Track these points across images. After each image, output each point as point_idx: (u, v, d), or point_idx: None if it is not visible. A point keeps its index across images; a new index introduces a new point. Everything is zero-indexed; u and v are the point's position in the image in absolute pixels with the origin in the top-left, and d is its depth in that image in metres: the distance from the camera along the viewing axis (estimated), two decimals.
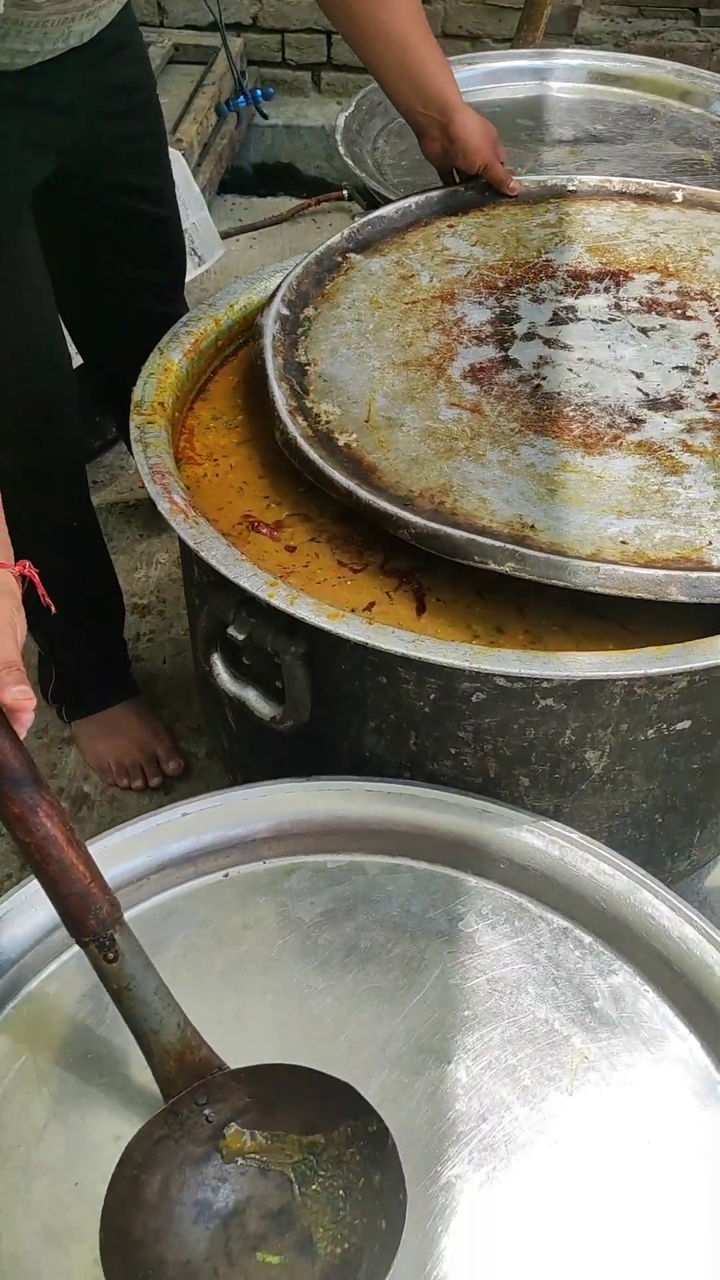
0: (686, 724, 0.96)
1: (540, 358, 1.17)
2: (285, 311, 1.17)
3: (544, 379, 1.14)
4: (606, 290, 1.27)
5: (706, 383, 1.14)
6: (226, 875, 0.98)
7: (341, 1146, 0.78)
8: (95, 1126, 0.81)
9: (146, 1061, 0.80)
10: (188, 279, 1.71)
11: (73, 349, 1.79)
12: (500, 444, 1.06)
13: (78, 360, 1.79)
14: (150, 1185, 0.76)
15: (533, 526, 0.97)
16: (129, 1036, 0.80)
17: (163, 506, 1.00)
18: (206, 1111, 0.79)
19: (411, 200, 1.37)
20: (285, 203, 3.36)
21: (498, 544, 0.92)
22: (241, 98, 1.44)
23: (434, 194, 1.40)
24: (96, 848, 0.91)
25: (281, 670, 0.96)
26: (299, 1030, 0.86)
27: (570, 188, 1.44)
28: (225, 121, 3.28)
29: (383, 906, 0.95)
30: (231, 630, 0.98)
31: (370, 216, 1.35)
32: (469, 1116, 0.81)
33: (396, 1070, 0.84)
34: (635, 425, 1.09)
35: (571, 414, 1.10)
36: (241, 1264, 0.74)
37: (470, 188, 1.42)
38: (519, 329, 1.21)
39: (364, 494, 0.98)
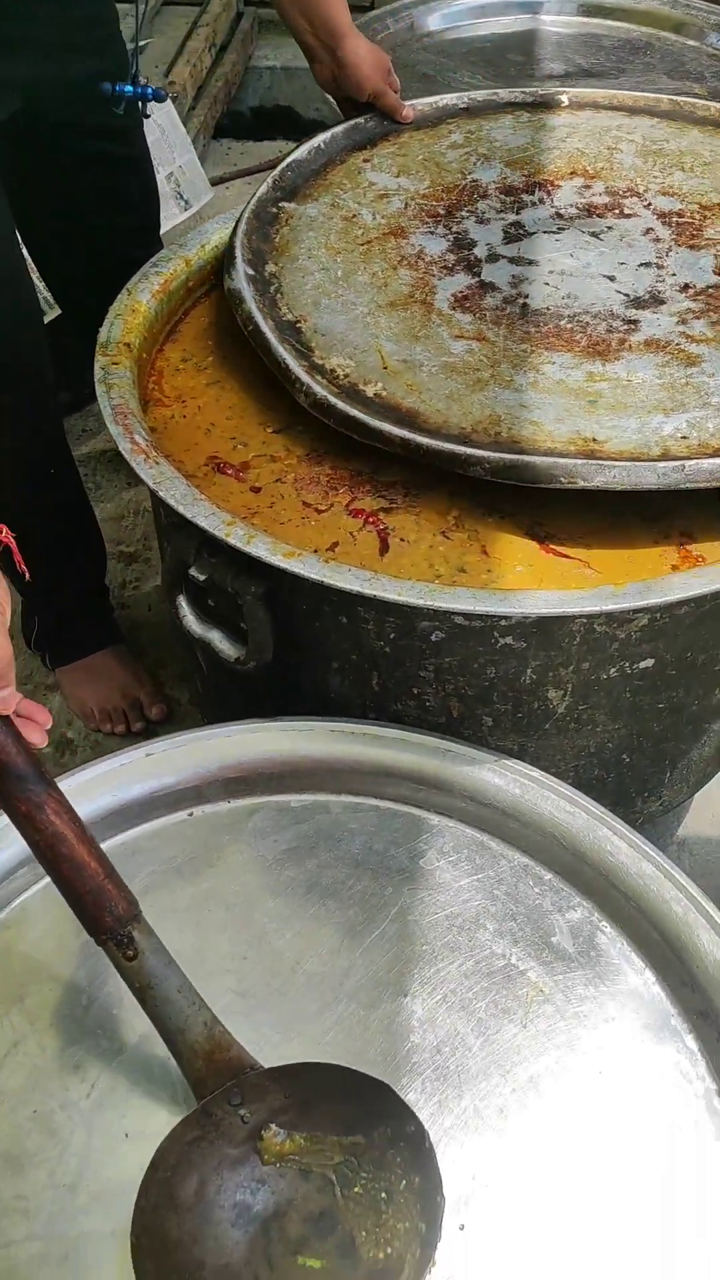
0: (650, 663, 0.96)
1: (514, 277, 1.18)
2: (250, 271, 1.15)
3: (527, 297, 1.16)
4: (541, 202, 1.29)
5: (674, 274, 1.18)
6: (191, 815, 0.98)
7: (383, 1148, 0.76)
8: (56, 1056, 0.83)
9: (175, 1061, 0.78)
10: (174, 224, 1.69)
11: (54, 297, 1.78)
12: (522, 367, 1.07)
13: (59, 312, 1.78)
14: (185, 1187, 0.74)
15: (595, 439, 0.99)
16: (95, 969, 0.81)
17: (123, 447, 0.99)
18: (242, 1112, 0.77)
19: (319, 140, 1.36)
20: (284, 147, 3.30)
21: (576, 462, 0.95)
22: (130, 86, 1.40)
23: (338, 130, 1.38)
24: (61, 786, 0.91)
25: (242, 611, 0.96)
26: (258, 965, 0.87)
27: (462, 105, 1.45)
28: (221, 63, 3.22)
29: (345, 844, 0.95)
30: (193, 571, 0.98)
31: (286, 162, 1.33)
32: (423, 1048, 0.82)
33: (353, 1004, 0.85)
34: (633, 326, 1.12)
35: (569, 326, 1.12)
36: (282, 1268, 0.72)
37: (370, 119, 1.41)
38: (479, 252, 1.22)
39: (423, 440, 0.98)
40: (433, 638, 0.92)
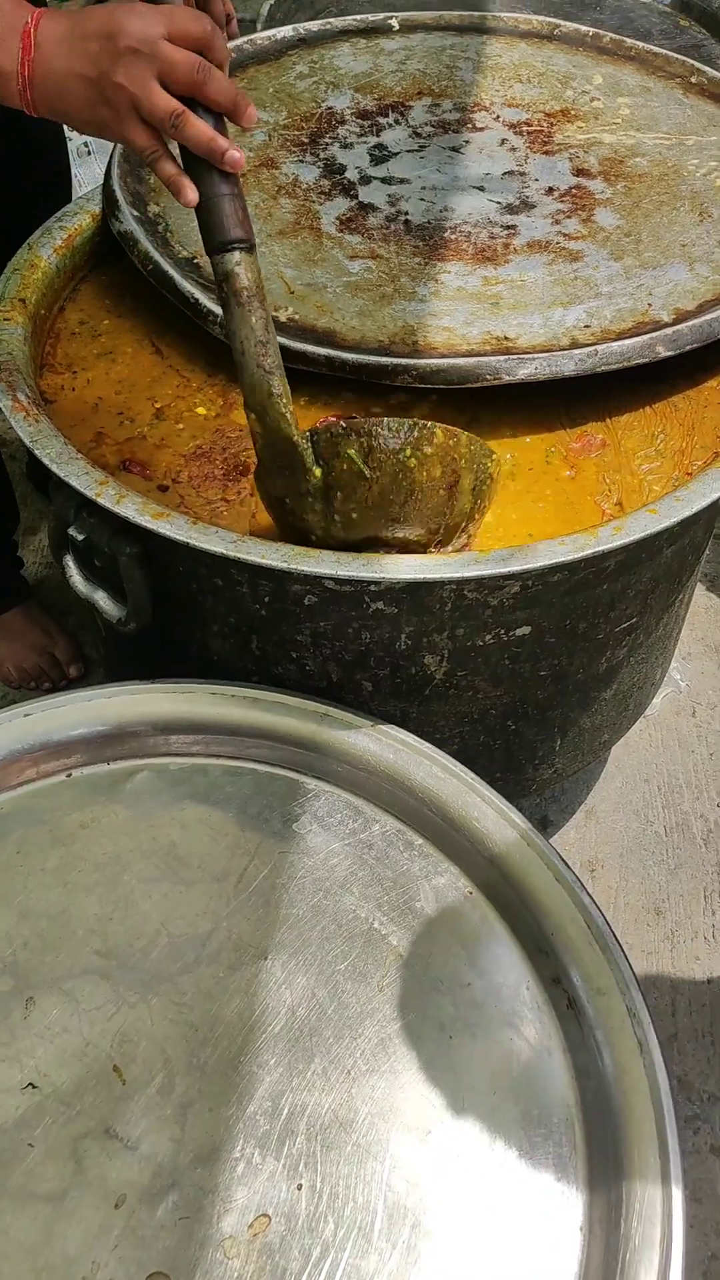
0: (526, 630, 0.95)
1: (390, 196, 1.22)
2: (136, 213, 1.14)
3: (408, 214, 1.20)
4: (397, 123, 1.33)
5: (537, 179, 1.25)
6: (69, 775, 0.98)
7: None
8: None
9: None
10: (82, 169, 1.66)
11: None
12: (420, 279, 1.11)
13: None
14: None
15: (506, 337, 1.04)
16: None
17: (4, 403, 0.98)
18: None
19: None
20: None
21: (499, 359, 1.00)
22: None
23: None
24: None
25: (120, 571, 0.95)
26: (122, 926, 0.87)
27: (299, 36, 1.47)
28: None
29: (221, 808, 0.95)
30: (72, 531, 0.97)
31: None
32: (278, 1010, 0.83)
33: (214, 965, 0.85)
34: (513, 231, 1.17)
35: (454, 237, 1.16)
36: None
37: None
38: (351, 175, 1.25)
39: (348, 355, 1.02)
40: (306, 602, 0.91)
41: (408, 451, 0.85)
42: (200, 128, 0.79)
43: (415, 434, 0.85)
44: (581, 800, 1.48)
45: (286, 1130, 0.76)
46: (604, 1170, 0.75)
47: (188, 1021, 0.82)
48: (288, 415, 0.86)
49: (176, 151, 0.83)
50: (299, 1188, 0.74)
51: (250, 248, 0.84)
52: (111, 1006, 0.83)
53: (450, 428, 0.87)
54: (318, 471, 0.86)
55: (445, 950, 0.86)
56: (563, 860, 0.88)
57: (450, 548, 0.92)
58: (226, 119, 0.82)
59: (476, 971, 0.85)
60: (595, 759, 1.28)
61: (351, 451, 0.84)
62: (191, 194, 0.81)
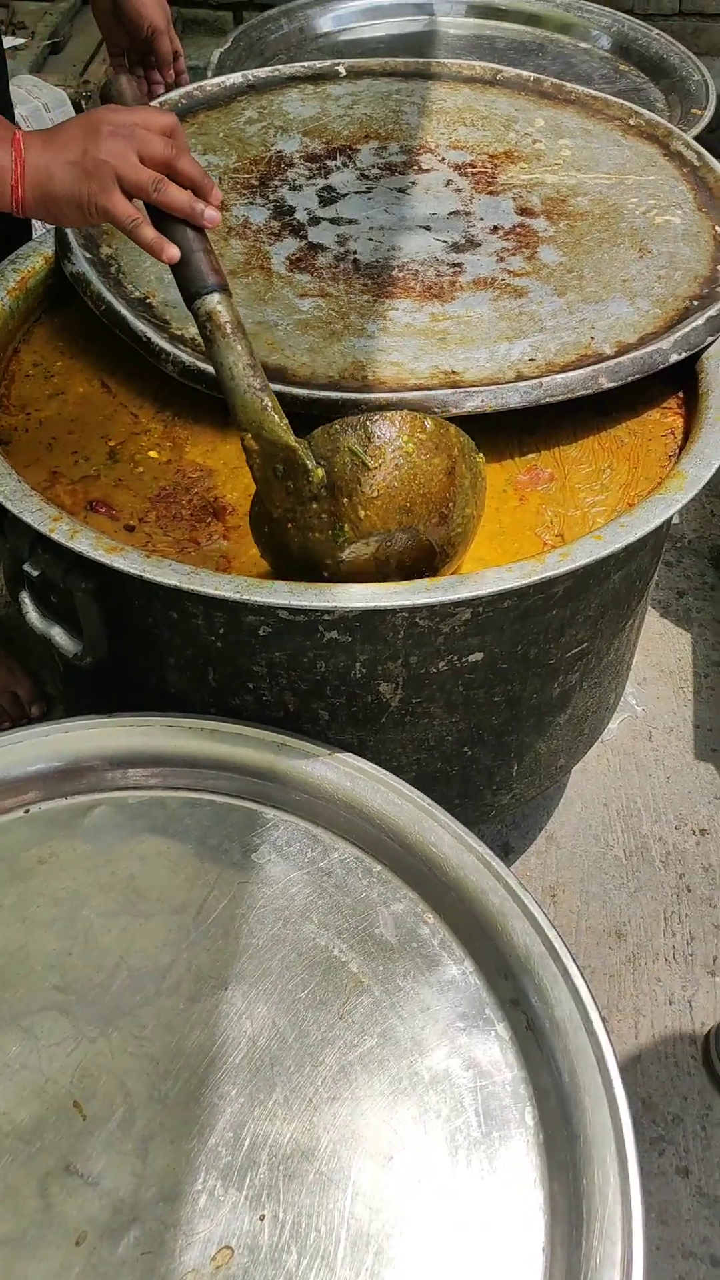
0: (479, 656, 0.97)
1: (338, 236, 1.25)
2: (88, 255, 1.16)
3: (356, 253, 1.22)
4: (345, 165, 1.37)
5: (481, 218, 1.28)
6: (27, 811, 0.98)
7: None
8: None
9: None
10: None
11: None
12: (369, 316, 1.14)
13: None
14: None
15: (454, 371, 1.06)
16: None
17: None
18: None
19: None
20: None
21: (446, 393, 1.03)
22: None
23: None
24: None
25: (75, 606, 0.96)
26: (81, 961, 0.87)
27: (248, 83, 1.51)
28: None
29: (180, 840, 0.96)
30: (28, 567, 0.97)
31: None
32: (239, 1040, 0.83)
33: (174, 998, 0.85)
34: (459, 269, 1.20)
35: (402, 275, 1.19)
36: None
37: (165, 102, 1.44)
38: (300, 217, 1.28)
39: (299, 391, 1.04)
40: (260, 632, 0.92)
41: (405, 438, 0.88)
42: (179, 191, 0.89)
43: (409, 422, 0.89)
44: (542, 825, 1.49)
45: (248, 1161, 0.76)
46: (565, 1191, 0.75)
47: (148, 1054, 0.82)
48: (283, 424, 0.89)
49: None
50: (261, 1218, 0.74)
51: (227, 291, 0.90)
52: (71, 1042, 0.83)
53: (438, 418, 0.91)
54: (320, 472, 0.87)
55: (405, 975, 0.86)
56: (519, 883, 0.89)
57: (457, 557, 0.94)
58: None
59: (436, 995, 0.85)
60: (553, 784, 1.29)
61: (351, 444, 0.86)
62: (174, 250, 0.89)
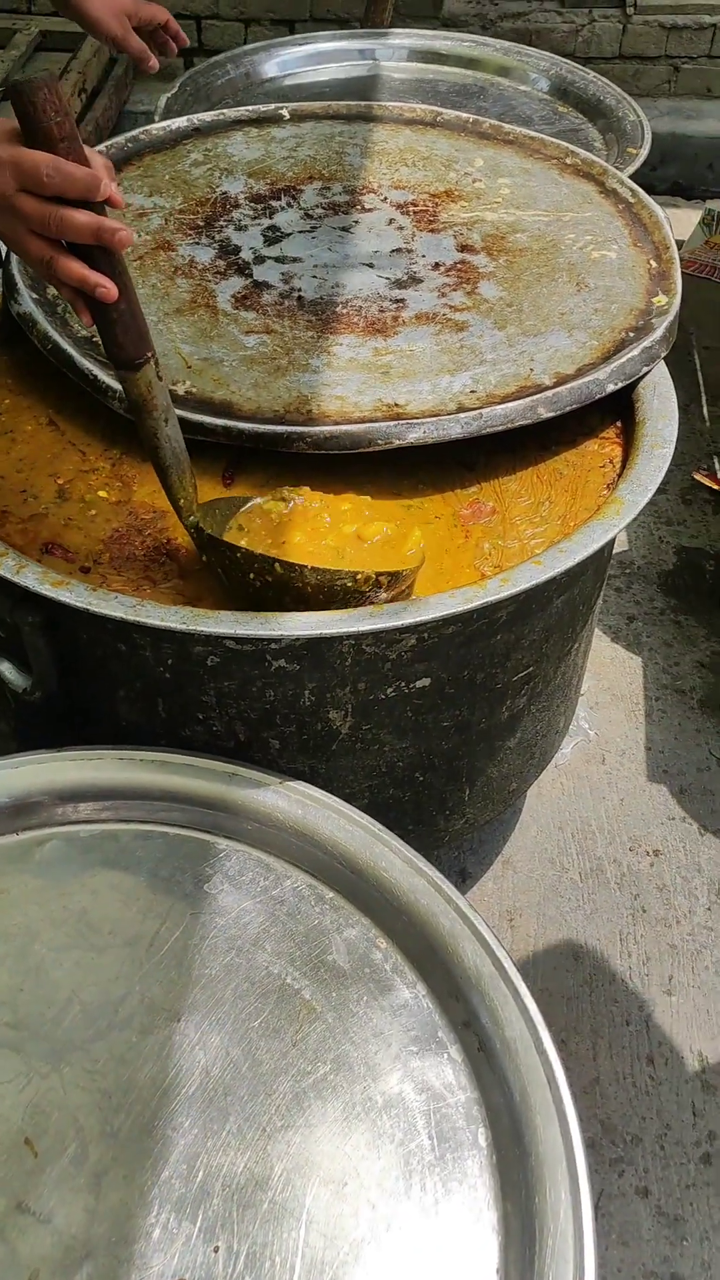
0: (426, 681, 0.98)
1: (283, 274, 1.28)
2: (35, 295, 1.17)
3: (301, 290, 1.25)
4: (289, 205, 1.40)
5: (424, 255, 1.31)
6: None
7: None
8: None
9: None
10: None
11: None
12: (314, 351, 1.16)
13: None
14: None
15: (397, 404, 1.08)
16: None
17: None
18: None
19: None
20: None
21: (389, 425, 1.04)
22: None
23: None
24: None
25: (23, 641, 0.96)
26: (33, 996, 0.87)
27: (194, 127, 1.54)
28: (92, 108, 3.23)
29: (132, 872, 0.95)
30: None
31: None
32: (192, 1071, 0.83)
33: (127, 1031, 0.85)
34: (401, 304, 1.23)
35: (346, 311, 1.22)
36: None
37: (111, 146, 1.48)
38: (246, 256, 1.30)
39: (244, 425, 1.05)
40: (208, 663, 0.93)
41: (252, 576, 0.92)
42: (73, 267, 0.81)
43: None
44: (499, 850, 1.50)
45: (202, 1193, 0.76)
46: (518, 1211, 0.76)
47: (100, 1089, 0.81)
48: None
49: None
50: (216, 1250, 0.74)
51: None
52: (23, 1079, 0.82)
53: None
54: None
55: (358, 1001, 0.87)
56: (469, 905, 0.90)
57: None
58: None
59: (389, 1019, 0.86)
60: (506, 808, 1.30)
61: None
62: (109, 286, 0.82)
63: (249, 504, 1.03)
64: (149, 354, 0.86)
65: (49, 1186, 0.76)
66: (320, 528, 1.01)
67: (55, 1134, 0.79)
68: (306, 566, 0.91)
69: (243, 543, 0.99)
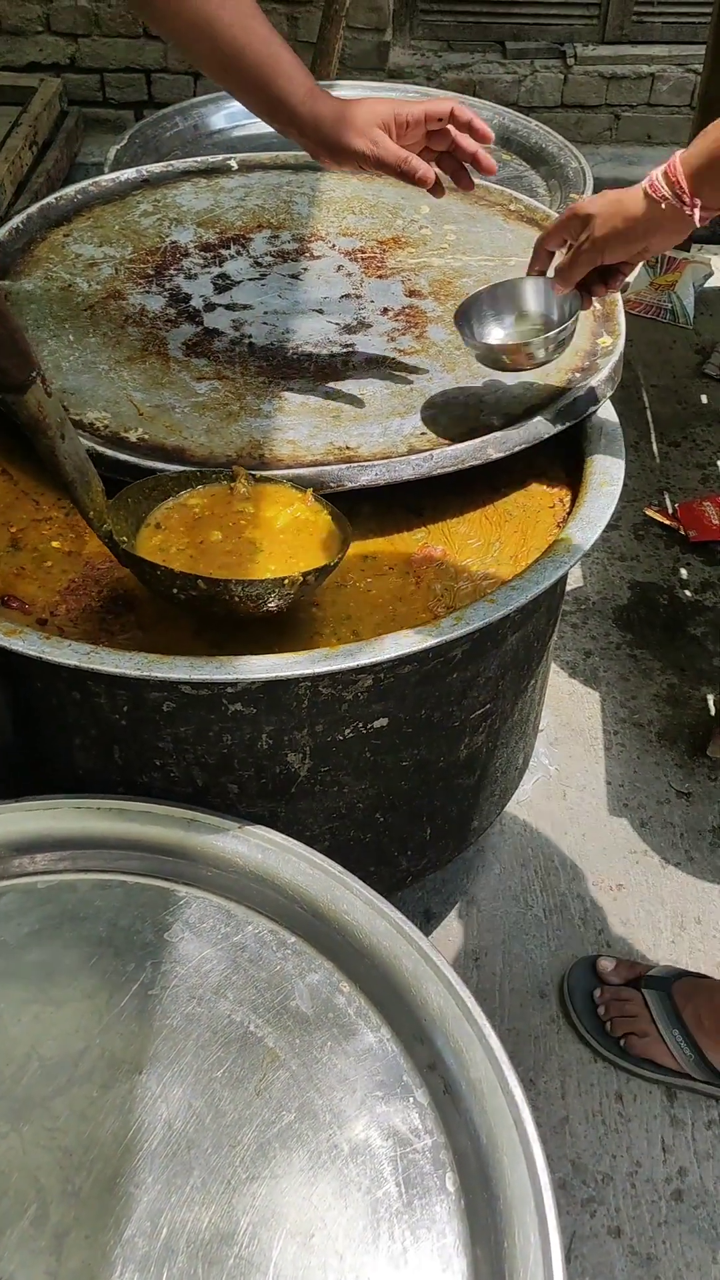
0: (384, 721, 0.98)
1: (234, 321, 1.29)
2: None
3: (251, 337, 1.26)
4: (239, 254, 1.41)
5: (372, 301, 1.33)
6: None
7: None
8: None
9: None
10: None
11: None
12: (265, 396, 1.17)
13: None
14: None
15: (348, 447, 1.09)
16: None
17: None
18: None
19: (15, 221, 1.43)
20: None
21: (340, 468, 1.06)
22: None
23: (33, 210, 1.46)
24: None
25: None
26: None
27: (142, 178, 1.57)
28: (44, 160, 3.26)
29: (90, 924, 0.94)
30: None
31: None
32: (154, 1125, 0.81)
33: (87, 1085, 0.83)
34: (351, 349, 1.24)
35: (296, 357, 1.23)
36: None
37: (60, 196, 1.48)
38: (196, 304, 1.32)
39: (195, 471, 1.06)
40: (164, 708, 0.93)
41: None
42: None
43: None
44: (463, 889, 1.50)
45: (166, 1250, 0.75)
46: (488, 1257, 0.75)
47: (61, 1146, 0.80)
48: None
49: None
50: None
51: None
52: None
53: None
54: None
55: (322, 1047, 0.86)
56: (432, 946, 0.89)
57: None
58: None
59: (354, 1065, 0.85)
60: (468, 846, 1.30)
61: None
62: None
63: (165, 501, 1.03)
64: (34, 374, 0.87)
65: (9, 1249, 0.74)
66: (239, 522, 1.02)
67: (15, 1195, 0.77)
68: (231, 581, 0.91)
69: (158, 540, 1.00)
